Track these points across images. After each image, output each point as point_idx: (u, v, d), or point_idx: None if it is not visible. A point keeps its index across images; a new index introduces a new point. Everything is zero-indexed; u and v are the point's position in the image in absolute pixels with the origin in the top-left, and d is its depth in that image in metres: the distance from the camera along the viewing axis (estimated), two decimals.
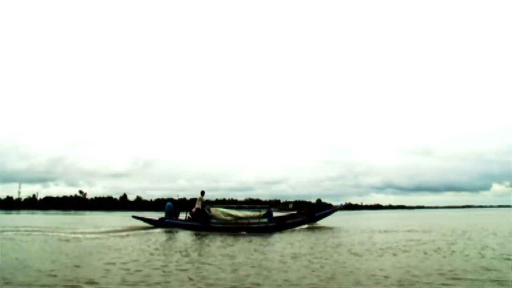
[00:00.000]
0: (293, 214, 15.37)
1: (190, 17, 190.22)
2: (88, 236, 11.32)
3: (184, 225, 14.09)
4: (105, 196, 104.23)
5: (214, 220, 13.88)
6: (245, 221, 13.92)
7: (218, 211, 14.00)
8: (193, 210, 14.50)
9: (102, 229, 13.82)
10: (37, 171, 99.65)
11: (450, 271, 5.66)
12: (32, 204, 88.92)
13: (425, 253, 7.71)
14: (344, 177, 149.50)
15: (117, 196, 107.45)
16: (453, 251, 7.87)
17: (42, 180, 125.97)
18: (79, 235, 11.52)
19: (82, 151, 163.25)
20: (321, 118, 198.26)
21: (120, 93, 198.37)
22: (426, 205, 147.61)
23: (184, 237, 11.45)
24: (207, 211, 14.05)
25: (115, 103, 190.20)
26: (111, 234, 12.05)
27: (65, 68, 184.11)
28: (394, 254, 7.47)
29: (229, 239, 10.53)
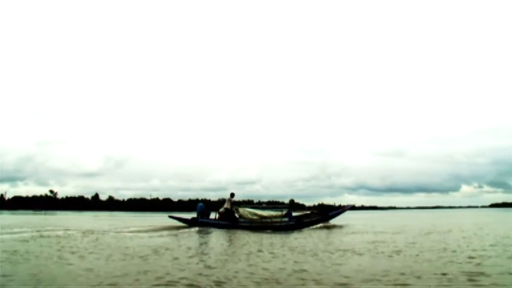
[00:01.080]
0: (308, 214, 17.20)
1: (167, 15, 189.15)
2: (141, 235, 12.76)
3: (215, 224, 15.64)
4: (77, 195, 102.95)
5: (241, 219, 15.59)
6: (269, 220, 15.64)
7: (246, 211, 15.71)
8: (221, 210, 16.07)
9: (141, 228, 15.19)
10: (5, 170, 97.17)
11: (401, 273, 5.52)
12: None
13: (382, 253, 7.82)
14: (317, 178, 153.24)
15: (88, 195, 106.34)
16: (415, 253, 7.74)
17: (11, 179, 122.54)
18: (128, 234, 12.99)
19: (53, 149, 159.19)
20: (295, 119, 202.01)
21: (91, 91, 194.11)
22: (398, 205, 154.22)
23: (225, 234, 12.86)
24: (235, 211, 15.83)
25: (86, 101, 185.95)
26: (155, 233, 13.33)
27: (33, 64, 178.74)
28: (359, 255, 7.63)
29: (273, 236, 12.35)
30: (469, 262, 6.37)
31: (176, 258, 7.02)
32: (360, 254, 7.65)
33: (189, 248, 8.65)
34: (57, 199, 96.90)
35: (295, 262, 6.70)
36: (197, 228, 14.94)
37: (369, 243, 9.79)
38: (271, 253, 7.90)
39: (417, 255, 7.47)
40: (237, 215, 15.80)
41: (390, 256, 7.37)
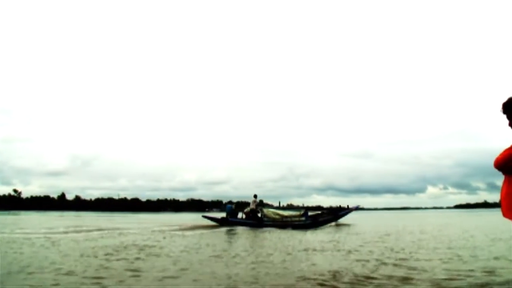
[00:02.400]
0: (321, 214, 19.38)
1: (136, 12, 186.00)
2: (187, 233, 14.29)
3: (243, 223, 17.39)
4: (42, 195, 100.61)
5: (265, 219, 17.44)
6: (289, 219, 17.56)
7: (269, 211, 17.70)
8: (246, 210, 18.02)
9: (180, 227, 16.66)
10: None
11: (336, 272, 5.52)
12: None
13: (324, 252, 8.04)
14: (286, 179, 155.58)
15: (54, 195, 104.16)
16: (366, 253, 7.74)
17: None
18: (177, 232, 14.58)
19: (17, 148, 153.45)
20: (264, 120, 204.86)
21: (58, 87, 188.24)
22: (366, 206, 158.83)
23: (255, 232, 14.49)
24: (260, 211, 17.85)
25: (52, 98, 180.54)
26: (200, 231, 14.65)
27: None
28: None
29: (295, 233, 14.32)
30: (411, 268, 5.89)
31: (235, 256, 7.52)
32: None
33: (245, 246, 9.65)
34: (22, 199, 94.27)
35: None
36: (227, 227, 16.78)
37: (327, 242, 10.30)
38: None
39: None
40: (260, 215, 17.77)
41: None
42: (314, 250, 8.60)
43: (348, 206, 19.47)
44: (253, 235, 13.04)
